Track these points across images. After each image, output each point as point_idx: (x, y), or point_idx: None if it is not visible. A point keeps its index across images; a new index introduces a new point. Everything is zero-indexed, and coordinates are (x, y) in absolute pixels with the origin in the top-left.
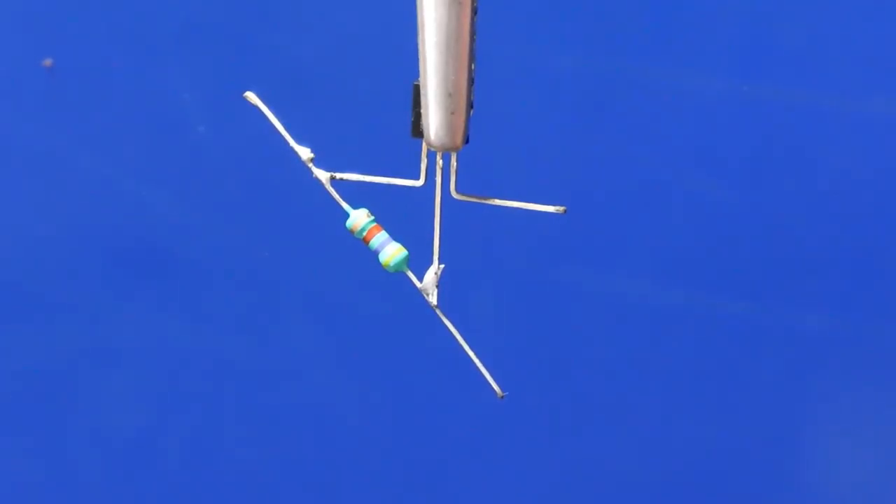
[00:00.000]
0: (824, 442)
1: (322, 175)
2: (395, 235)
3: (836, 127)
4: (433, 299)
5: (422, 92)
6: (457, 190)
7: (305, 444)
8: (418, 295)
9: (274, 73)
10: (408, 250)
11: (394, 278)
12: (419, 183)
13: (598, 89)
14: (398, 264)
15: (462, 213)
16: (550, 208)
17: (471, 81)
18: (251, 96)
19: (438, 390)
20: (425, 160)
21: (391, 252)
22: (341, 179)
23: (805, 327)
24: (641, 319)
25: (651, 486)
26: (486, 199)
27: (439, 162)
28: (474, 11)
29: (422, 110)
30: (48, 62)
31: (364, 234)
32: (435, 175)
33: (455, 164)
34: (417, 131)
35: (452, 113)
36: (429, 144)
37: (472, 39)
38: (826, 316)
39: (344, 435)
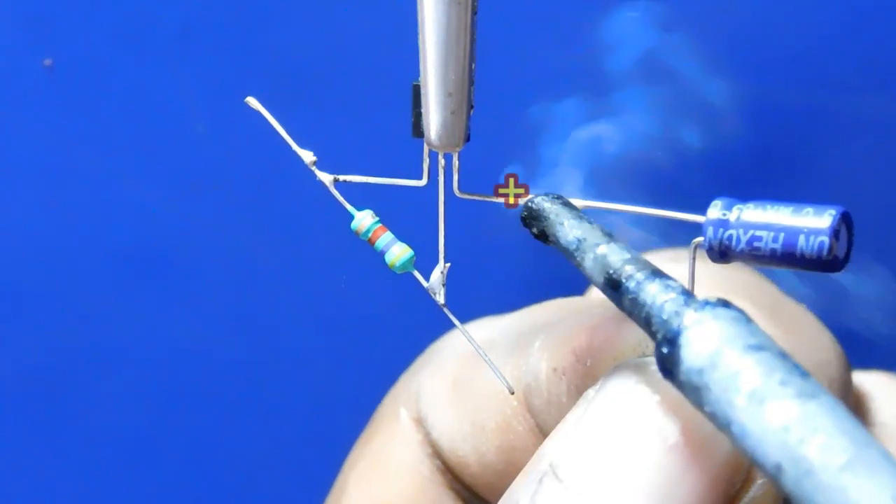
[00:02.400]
0: None
1: (325, 178)
2: (400, 236)
3: (836, 127)
4: (440, 298)
5: (422, 92)
6: (460, 189)
7: (311, 445)
8: (426, 294)
9: (273, 74)
10: (413, 250)
11: (401, 278)
12: (422, 183)
13: (599, 87)
14: (404, 264)
15: (466, 212)
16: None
17: (471, 81)
18: (252, 101)
19: None
20: (427, 160)
21: (397, 252)
22: (345, 181)
23: None
24: None
25: None
26: (488, 196)
27: (441, 161)
28: (474, 11)
29: (422, 110)
30: (48, 62)
31: (369, 235)
32: (437, 174)
33: (457, 163)
34: (418, 131)
35: (452, 113)
36: (429, 144)
37: (473, 39)
38: (827, 316)
39: (351, 436)
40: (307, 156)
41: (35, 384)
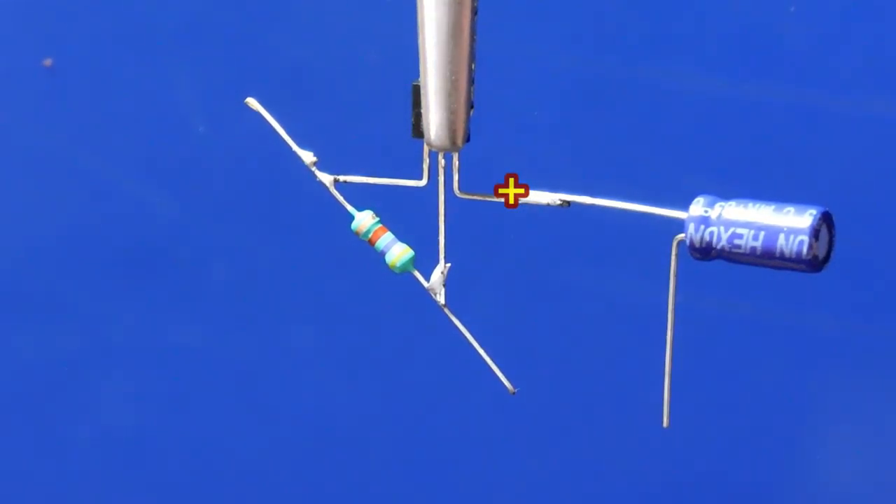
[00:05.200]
0: (825, 443)
1: (325, 178)
2: (401, 236)
3: (836, 127)
4: (441, 298)
5: (422, 92)
6: (460, 189)
7: (311, 445)
8: (426, 295)
9: (273, 74)
10: (414, 250)
11: (401, 279)
12: (422, 183)
13: (599, 87)
14: (405, 265)
15: (466, 212)
16: (554, 200)
17: (471, 81)
18: (252, 102)
19: (448, 388)
20: (427, 160)
21: (397, 253)
22: (345, 182)
23: (805, 327)
24: (643, 317)
25: (654, 483)
26: (489, 196)
27: (441, 161)
28: (474, 11)
29: (422, 110)
30: (48, 62)
31: (370, 235)
32: (437, 175)
33: (457, 163)
34: (418, 131)
35: (452, 113)
36: (429, 145)
37: (473, 39)
38: (827, 315)
39: (353, 436)
40: (307, 156)
41: (35, 384)
